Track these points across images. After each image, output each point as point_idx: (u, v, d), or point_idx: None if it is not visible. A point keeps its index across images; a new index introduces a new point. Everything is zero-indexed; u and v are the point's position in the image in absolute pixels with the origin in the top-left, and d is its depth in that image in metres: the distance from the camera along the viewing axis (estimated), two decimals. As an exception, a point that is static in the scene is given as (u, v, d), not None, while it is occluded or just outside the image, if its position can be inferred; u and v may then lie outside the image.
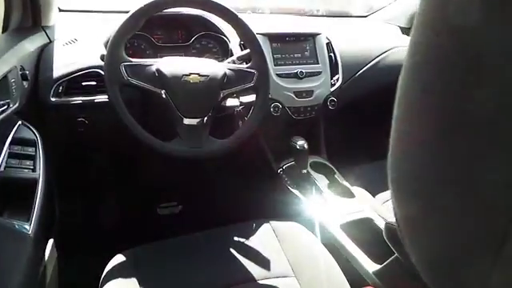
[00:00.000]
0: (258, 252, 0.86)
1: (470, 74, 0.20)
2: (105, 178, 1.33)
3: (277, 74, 1.14)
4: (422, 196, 0.23)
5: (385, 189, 1.15)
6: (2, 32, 0.96)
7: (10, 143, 0.79)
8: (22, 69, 0.86)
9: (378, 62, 1.34)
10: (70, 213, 1.08)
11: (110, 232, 1.25)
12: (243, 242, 0.89)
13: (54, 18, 1.12)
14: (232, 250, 0.87)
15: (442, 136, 0.22)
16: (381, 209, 1.08)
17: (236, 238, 0.90)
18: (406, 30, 1.57)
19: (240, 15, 0.97)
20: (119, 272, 0.80)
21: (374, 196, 1.13)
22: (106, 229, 1.29)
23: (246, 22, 0.97)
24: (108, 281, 0.77)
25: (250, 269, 0.81)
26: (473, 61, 0.20)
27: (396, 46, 1.40)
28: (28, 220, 0.71)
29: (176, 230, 0.92)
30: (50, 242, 0.84)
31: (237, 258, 0.84)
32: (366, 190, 1.15)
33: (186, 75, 0.92)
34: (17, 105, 0.81)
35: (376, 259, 0.90)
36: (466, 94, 0.21)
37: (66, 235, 0.96)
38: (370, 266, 0.89)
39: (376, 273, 0.86)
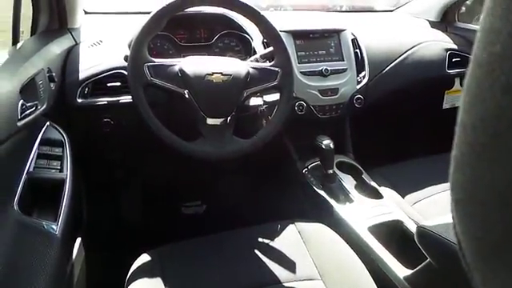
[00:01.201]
0: (283, 253, 0.84)
1: None
2: (130, 178, 1.34)
3: (301, 72, 1.12)
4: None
5: (414, 190, 1.10)
6: (31, 35, 0.99)
7: (39, 144, 0.80)
8: (49, 71, 0.87)
9: (407, 57, 1.29)
10: (96, 213, 1.10)
11: (135, 231, 1.26)
12: (268, 243, 0.87)
13: (80, 21, 1.14)
14: (257, 251, 0.85)
15: None
16: (411, 211, 1.04)
17: (261, 239, 0.88)
18: (436, 24, 1.51)
19: (262, 12, 0.96)
20: (145, 271, 0.80)
21: (402, 197, 1.09)
22: (132, 228, 1.30)
23: (268, 19, 0.95)
24: (134, 280, 0.78)
25: (275, 271, 0.80)
26: None
27: (426, 41, 1.35)
28: (55, 220, 0.71)
29: (200, 229, 0.92)
30: (78, 241, 0.85)
31: (262, 260, 0.83)
32: (395, 190, 1.11)
33: (209, 75, 0.91)
34: (44, 106, 0.82)
35: (406, 264, 0.86)
36: None
37: (93, 235, 0.98)
38: (401, 271, 0.85)
39: (407, 278, 0.83)
